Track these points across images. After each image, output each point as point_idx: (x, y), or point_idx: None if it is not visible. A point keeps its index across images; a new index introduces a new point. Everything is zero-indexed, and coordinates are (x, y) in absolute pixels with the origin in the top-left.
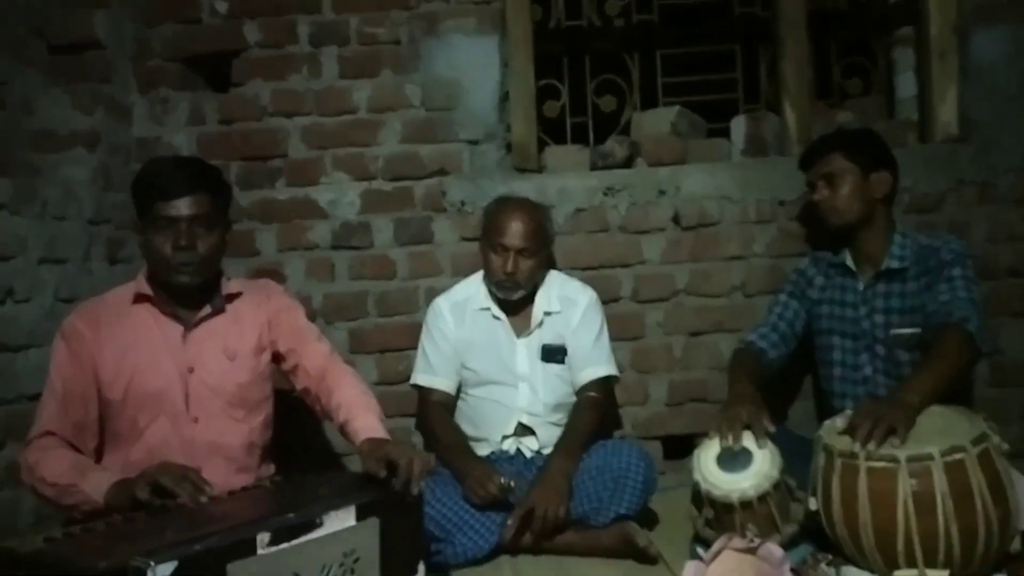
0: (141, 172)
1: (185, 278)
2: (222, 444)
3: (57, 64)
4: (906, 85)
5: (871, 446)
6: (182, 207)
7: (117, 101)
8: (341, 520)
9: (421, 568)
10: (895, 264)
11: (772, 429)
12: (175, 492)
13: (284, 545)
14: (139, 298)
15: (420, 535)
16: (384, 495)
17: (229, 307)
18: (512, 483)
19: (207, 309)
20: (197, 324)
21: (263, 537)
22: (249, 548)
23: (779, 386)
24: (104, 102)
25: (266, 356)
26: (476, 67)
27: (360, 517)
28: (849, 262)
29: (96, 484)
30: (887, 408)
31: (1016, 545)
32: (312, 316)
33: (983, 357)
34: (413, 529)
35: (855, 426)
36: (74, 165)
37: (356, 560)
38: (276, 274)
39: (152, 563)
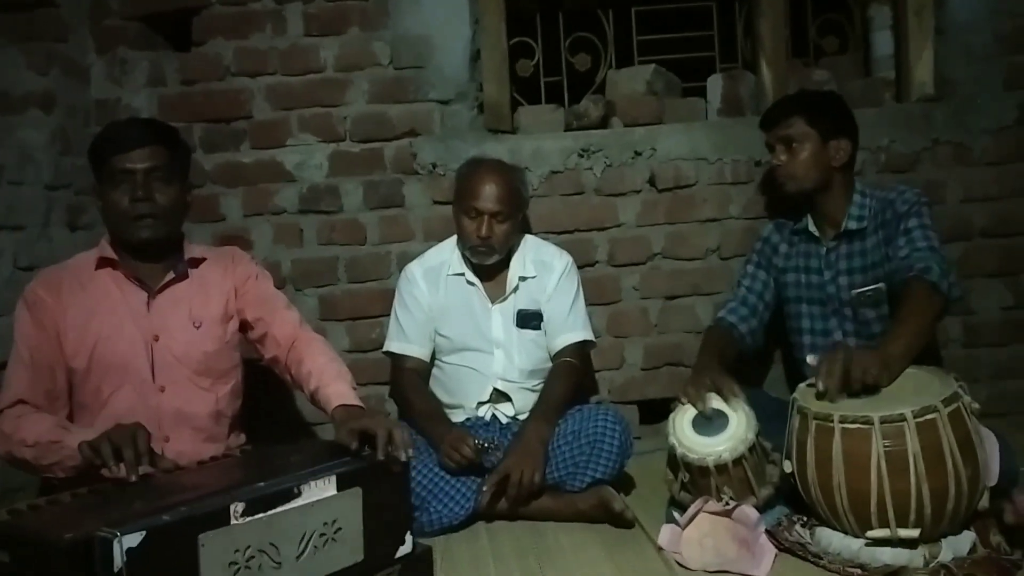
0: (97, 135)
1: (145, 232)
2: (189, 413)
3: (8, 22)
4: (882, 43)
5: (834, 381)
6: (137, 159)
7: (74, 61)
8: (321, 490)
9: (409, 538)
10: (853, 225)
11: (739, 394)
12: (106, 463)
13: (260, 515)
14: (102, 263)
15: (407, 505)
16: (367, 464)
17: (194, 273)
18: (486, 443)
19: (171, 274)
20: (161, 290)
21: (237, 507)
22: (222, 518)
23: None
24: (60, 62)
25: (233, 324)
26: (446, 24)
27: (341, 487)
28: (811, 227)
29: (81, 437)
30: (858, 351)
31: (984, 503)
32: (281, 283)
33: (953, 303)
34: (399, 499)
35: (825, 368)
36: (30, 128)
37: (338, 530)
38: (242, 240)
39: (118, 533)
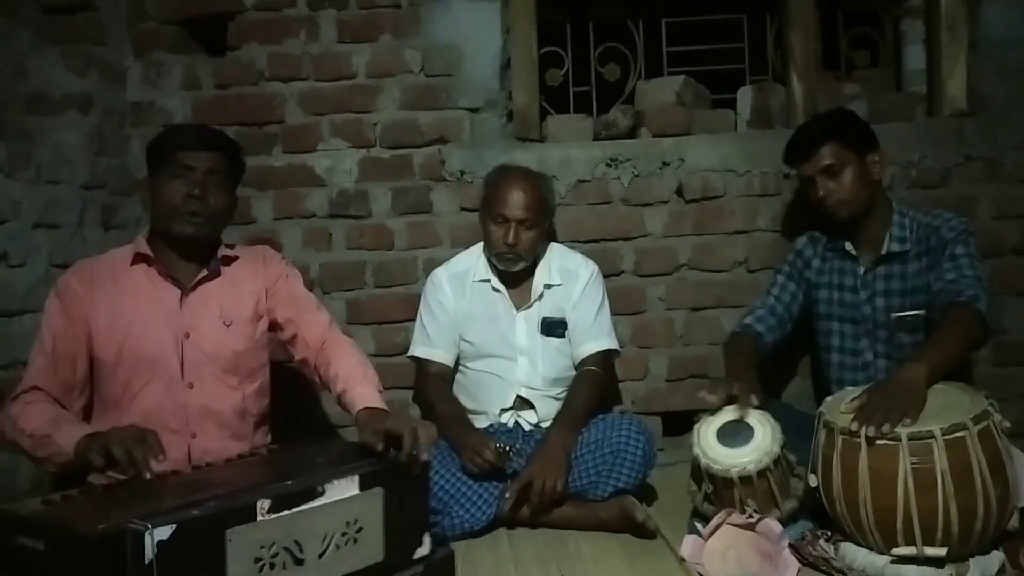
0: (162, 131)
1: (191, 229)
2: (215, 410)
3: (50, 25)
4: (914, 57)
5: (885, 428)
6: (201, 159)
7: (111, 64)
8: (344, 489)
9: (427, 540)
10: (896, 247)
11: (756, 403)
12: (121, 464)
13: (285, 512)
14: (137, 259)
15: (426, 507)
16: (389, 465)
17: (226, 271)
18: (508, 448)
19: (204, 272)
20: (194, 288)
21: (263, 504)
22: (248, 514)
23: (776, 365)
24: (98, 65)
25: (263, 324)
26: (477, 33)
27: (364, 486)
28: (849, 247)
29: (69, 435)
30: (897, 396)
31: (1014, 523)
32: (309, 286)
33: (990, 337)
34: (418, 500)
35: (867, 415)
36: (68, 129)
37: (359, 530)
38: (272, 242)
39: (150, 526)
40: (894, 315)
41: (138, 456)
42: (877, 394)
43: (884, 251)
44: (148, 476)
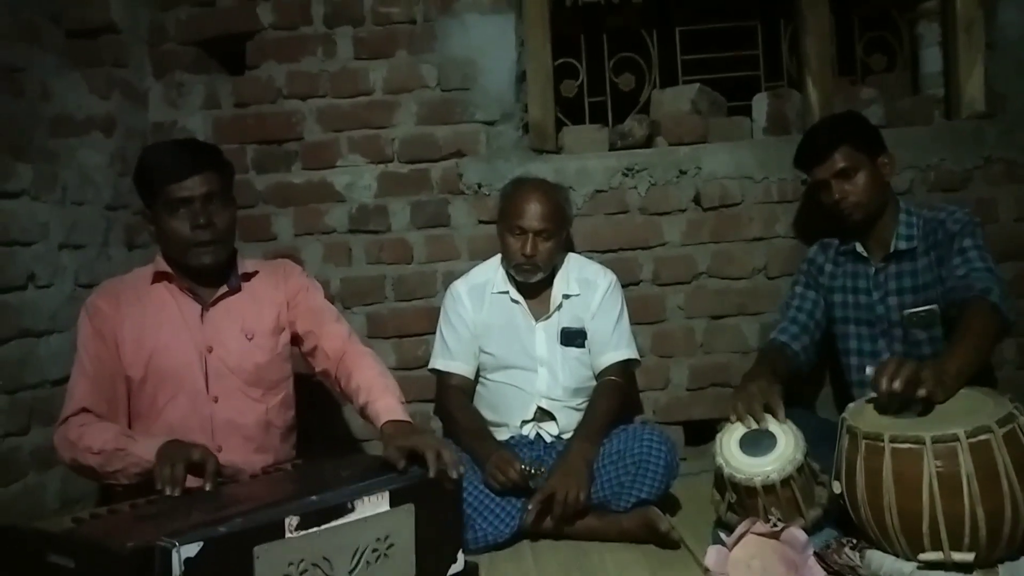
0: (143, 161)
1: (207, 258)
2: (240, 423)
3: (73, 49)
4: (931, 60)
5: (896, 384)
6: (194, 186)
7: (133, 85)
8: (374, 505)
9: (460, 556)
10: (903, 245)
11: (780, 407)
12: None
13: (314, 529)
14: (158, 277)
15: (459, 523)
16: (420, 481)
17: (246, 286)
18: (532, 469)
19: (224, 288)
20: (215, 303)
21: (291, 520)
22: (277, 531)
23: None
24: (120, 86)
25: (284, 336)
26: (492, 46)
27: (394, 503)
28: (860, 249)
29: (146, 445)
30: (916, 362)
31: None
32: (330, 300)
33: (1011, 327)
34: (451, 516)
35: (879, 374)
36: (91, 150)
37: (390, 546)
38: (293, 258)
39: (177, 543)
40: (906, 312)
41: (164, 473)
42: (889, 361)
43: (892, 249)
44: (176, 493)
